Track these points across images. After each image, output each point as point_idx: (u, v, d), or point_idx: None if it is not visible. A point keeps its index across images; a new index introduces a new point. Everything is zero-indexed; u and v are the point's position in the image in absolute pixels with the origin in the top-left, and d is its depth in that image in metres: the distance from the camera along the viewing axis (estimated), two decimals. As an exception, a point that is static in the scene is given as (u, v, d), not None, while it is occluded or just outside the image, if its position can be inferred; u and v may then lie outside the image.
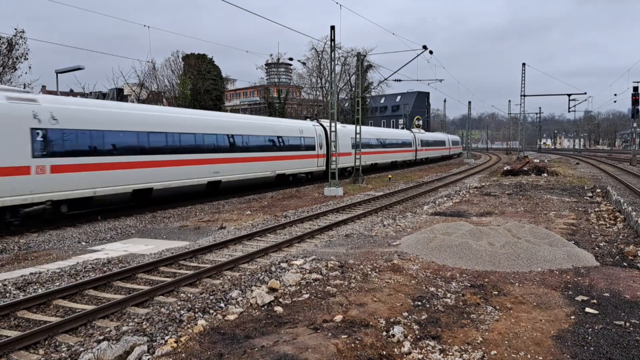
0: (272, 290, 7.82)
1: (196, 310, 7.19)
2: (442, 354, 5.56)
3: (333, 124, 25.86)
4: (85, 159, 15.85)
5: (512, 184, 26.40)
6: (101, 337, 6.30)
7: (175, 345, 5.79)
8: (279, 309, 6.98)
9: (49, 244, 12.98)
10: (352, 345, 5.65)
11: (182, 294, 8.26)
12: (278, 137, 26.29)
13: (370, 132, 40.04)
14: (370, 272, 8.83)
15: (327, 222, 15.67)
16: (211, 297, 7.73)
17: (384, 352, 5.58)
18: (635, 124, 46.87)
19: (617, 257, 10.06)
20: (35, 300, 7.88)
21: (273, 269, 9.35)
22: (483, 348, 5.68)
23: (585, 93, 53.05)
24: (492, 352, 5.56)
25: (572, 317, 6.66)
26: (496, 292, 7.77)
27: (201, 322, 6.53)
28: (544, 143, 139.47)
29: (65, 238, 13.68)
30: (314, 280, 8.35)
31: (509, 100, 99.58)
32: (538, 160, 48.58)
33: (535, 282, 8.31)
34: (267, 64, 77.51)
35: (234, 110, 67.38)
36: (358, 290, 7.81)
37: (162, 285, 8.57)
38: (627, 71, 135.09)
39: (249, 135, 23.92)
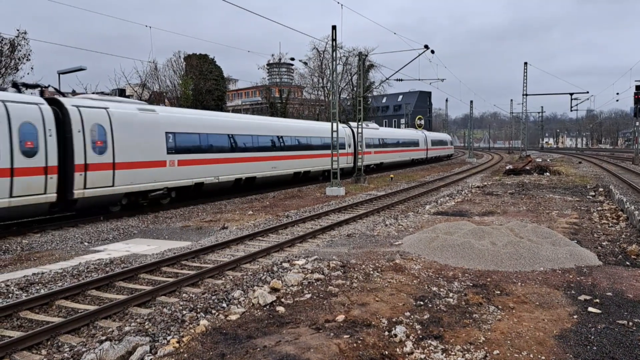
0: (274, 290, 7.82)
1: (198, 310, 7.19)
2: (444, 354, 5.55)
3: (360, 126, 30.60)
4: (195, 155, 20.20)
5: (514, 184, 26.36)
6: (103, 338, 6.30)
7: (177, 345, 5.80)
8: (281, 309, 6.98)
9: (51, 245, 13.01)
10: (354, 345, 5.65)
11: (184, 294, 8.26)
12: (319, 137, 30.04)
13: (388, 132, 45.17)
14: (372, 272, 8.83)
15: (329, 222, 15.67)
16: (213, 297, 7.74)
17: (386, 352, 5.58)
18: (637, 123, 46.75)
19: (620, 256, 10.03)
20: (37, 300, 7.89)
21: (275, 269, 9.36)
22: (485, 348, 5.67)
23: (588, 92, 52.80)
24: (495, 352, 5.54)
25: (575, 316, 6.65)
26: (498, 292, 7.75)
27: (203, 322, 6.53)
28: (546, 142, 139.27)
29: (68, 238, 13.70)
30: (316, 280, 8.35)
31: (511, 100, 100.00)
32: (540, 160, 48.54)
33: (538, 281, 8.29)
34: (268, 64, 77.61)
35: (236, 110, 67.41)
36: (360, 290, 7.81)
37: (164, 285, 8.58)
38: (629, 70, 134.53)
39: (299, 137, 28.28)
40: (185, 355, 5.51)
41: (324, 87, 61.96)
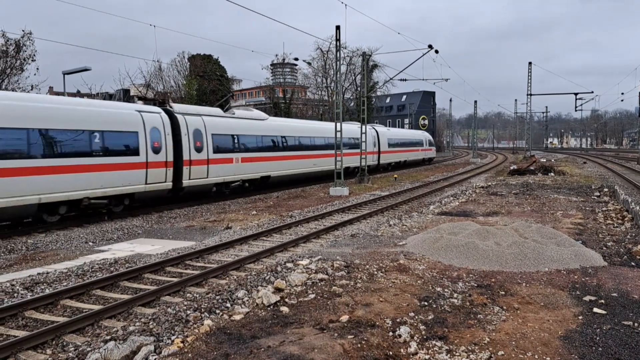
0: (278, 290, 7.82)
1: (202, 310, 7.20)
2: (448, 355, 5.53)
3: (384, 128, 38.15)
4: (253, 154, 24.15)
5: (518, 184, 26.28)
6: (108, 337, 6.32)
7: (181, 345, 5.80)
8: (285, 309, 6.98)
9: (56, 244, 13.05)
10: (359, 345, 5.64)
11: (188, 294, 8.28)
12: (355, 139, 33.14)
13: (399, 133, 49.50)
14: (376, 272, 8.81)
15: (332, 222, 15.66)
16: (217, 297, 7.75)
17: (391, 353, 5.57)
18: (643, 123, 46.46)
19: (625, 256, 9.98)
20: (42, 300, 7.92)
21: (279, 269, 9.36)
22: (490, 348, 5.65)
23: (592, 92, 52.33)
24: (500, 353, 5.53)
25: (580, 317, 6.62)
26: (503, 292, 7.73)
27: (207, 322, 6.54)
28: (550, 142, 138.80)
29: (73, 238, 13.75)
30: (320, 280, 8.35)
31: (515, 100, 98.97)
32: (545, 160, 48.34)
33: (543, 282, 8.26)
34: (272, 64, 77.48)
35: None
36: (364, 290, 7.80)
37: (168, 285, 8.59)
38: (634, 70, 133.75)
39: (331, 138, 29.50)
40: (190, 355, 5.52)
41: (328, 87, 61.93)
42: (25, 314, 7.50)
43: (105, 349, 5.75)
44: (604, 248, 10.76)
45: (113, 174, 16.57)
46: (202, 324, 6.48)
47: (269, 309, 7.05)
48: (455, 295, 7.60)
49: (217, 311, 7.18)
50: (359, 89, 58.72)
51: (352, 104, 63.43)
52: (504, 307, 7.04)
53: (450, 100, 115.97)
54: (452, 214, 16.35)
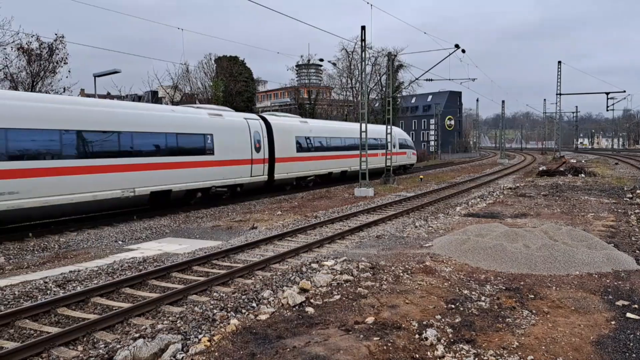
0: (303, 290, 7.83)
1: (229, 309, 7.27)
2: (476, 358, 5.46)
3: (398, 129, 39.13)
4: (323, 153, 28.95)
5: (548, 185, 25.76)
6: (137, 335, 6.43)
7: (208, 344, 5.87)
8: (310, 309, 6.99)
9: (87, 243, 13.36)
10: (384, 347, 5.61)
11: (215, 293, 8.37)
12: (374, 139, 35.07)
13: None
14: (402, 274, 8.75)
15: (357, 222, 15.62)
16: (243, 297, 7.81)
17: (417, 356, 5.52)
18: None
19: (660, 260, 9.68)
20: (74, 297, 8.11)
21: (304, 269, 9.38)
22: (519, 353, 5.55)
23: (625, 91, 50.93)
24: (529, 357, 5.42)
25: (613, 322, 6.45)
26: (532, 296, 7.59)
27: (234, 321, 6.59)
28: (580, 143, 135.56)
29: (103, 237, 14.05)
30: (345, 282, 8.33)
31: (544, 99, 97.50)
32: (575, 161, 47.30)
33: (573, 285, 8.08)
34: (297, 65, 77.81)
35: (263, 111, 67.85)
36: (390, 291, 7.75)
37: (195, 284, 8.70)
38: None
39: (369, 138, 30.82)
40: (217, 353, 5.58)
41: (353, 88, 61.81)
42: (58, 311, 7.69)
43: (134, 347, 5.85)
44: (637, 251, 10.46)
45: (231, 168, 21.26)
46: (229, 323, 6.54)
47: (294, 309, 7.07)
48: (483, 298, 7.50)
49: (243, 311, 7.23)
50: (384, 89, 58.42)
51: (377, 104, 63.16)
52: (534, 311, 6.91)
53: (477, 100, 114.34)
54: (479, 215, 16.13)
